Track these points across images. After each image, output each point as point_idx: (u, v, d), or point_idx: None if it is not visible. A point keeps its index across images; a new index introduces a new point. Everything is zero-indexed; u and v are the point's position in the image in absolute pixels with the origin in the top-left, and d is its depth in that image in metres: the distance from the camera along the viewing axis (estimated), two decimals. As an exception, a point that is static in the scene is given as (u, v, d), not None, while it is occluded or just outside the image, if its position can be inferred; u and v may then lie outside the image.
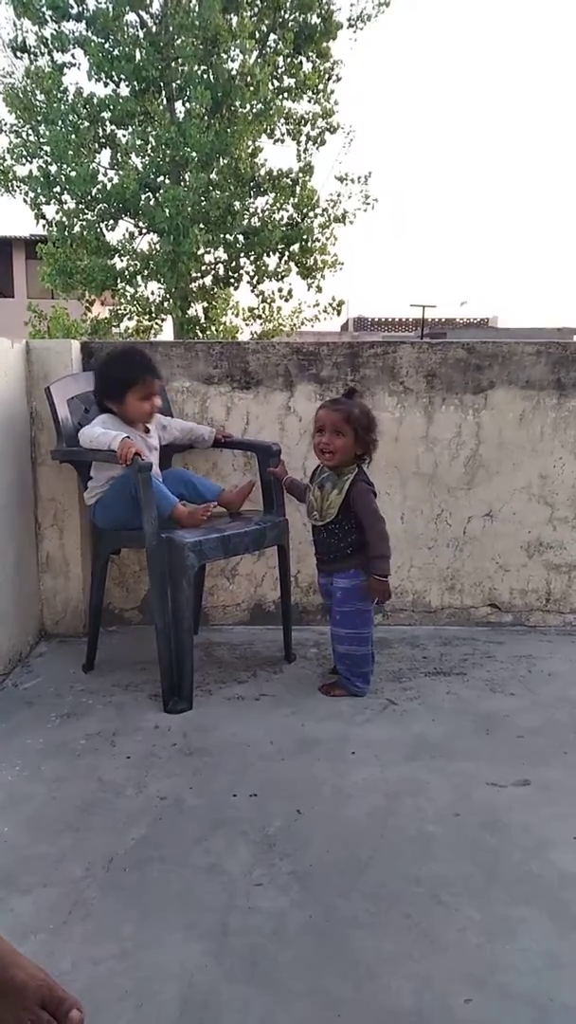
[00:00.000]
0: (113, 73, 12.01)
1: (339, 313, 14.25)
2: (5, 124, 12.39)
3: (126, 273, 12.69)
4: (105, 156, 12.57)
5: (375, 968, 1.25)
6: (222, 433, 2.66)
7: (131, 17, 12.17)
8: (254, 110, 12.05)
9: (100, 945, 1.30)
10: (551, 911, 1.38)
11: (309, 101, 13.19)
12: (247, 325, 14.34)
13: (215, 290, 13.65)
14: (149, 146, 12.11)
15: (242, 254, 13.26)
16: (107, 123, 12.31)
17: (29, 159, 12.36)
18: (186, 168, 11.80)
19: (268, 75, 11.93)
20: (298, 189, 12.91)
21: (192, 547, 2.14)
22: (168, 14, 11.94)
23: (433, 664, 2.54)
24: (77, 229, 12.51)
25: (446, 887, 1.45)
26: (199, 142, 11.30)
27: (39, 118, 12.02)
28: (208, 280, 13.58)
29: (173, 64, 12.04)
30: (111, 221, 12.65)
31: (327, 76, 13.00)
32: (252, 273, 13.55)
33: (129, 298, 13.02)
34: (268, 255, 13.23)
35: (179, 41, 11.77)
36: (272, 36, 12.52)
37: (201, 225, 11.76)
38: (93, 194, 12.13)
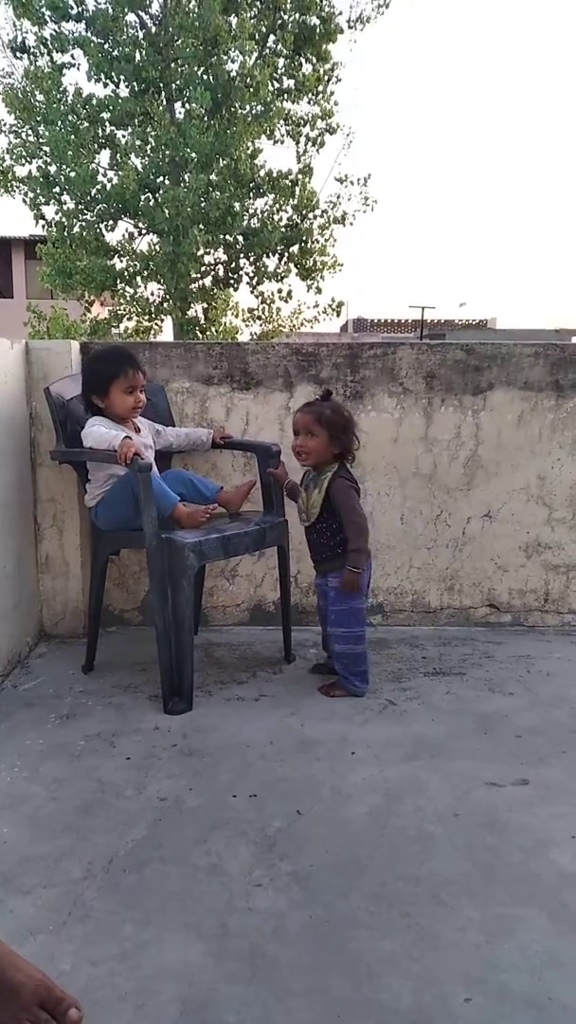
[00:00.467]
0: (113, 74, 12.01)
1: (338, 314, 14.26)
2: (5, 124, 12.38)
3: (126, 274, 12.69)
4: (105, 157, 12.57)
5: (375, 968, 1.26)
6: (220, 434, 2.66)
7: (131, 18, 12.17)
8: (254, 111, 12.05)
9: (100, 946, 1.30)
10: (550, 910, 1.39)
11: (309, 102, 13.20)
12: (247, 326, 14.35)
13: (215, 291, 13.64)
14: (149, 147, 12.10)
15: (242, 255, 13.26)
16: (107, 124, 12.30)
17: (28, 159, 12.35)
18: (186, 169, 11.80)
19: (268, 76, 11.94)
20: (298, 190, 12.90)
21: (192, 547, 2.14)
22: (168, 15, 11.94)
23: (432, 664, 2.54)
24: (76, 230, 12.50)
25: (446, 887, 1.45)
26: (199, 143, 11.30)
27: (38, 118, 12.01)
28: (208, 281, 13.57)
29: (173, 65, 12.04)
30: (111, 222, 12.64)
31: (327, 77, 13.00)
32: (252, 274, 13.55)
33: (129, 299, 13.01)
34: (268, 256, 13.23)
35: (179, 42, 11.77)
36: (272, 37, 12.52)
37: (201, 226, 11.75)
38: (93, 194, 12.12)
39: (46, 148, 12.07)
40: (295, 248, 13.18)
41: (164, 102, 12.45)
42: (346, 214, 13.38)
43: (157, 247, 12.26)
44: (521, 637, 2.83)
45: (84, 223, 12.55)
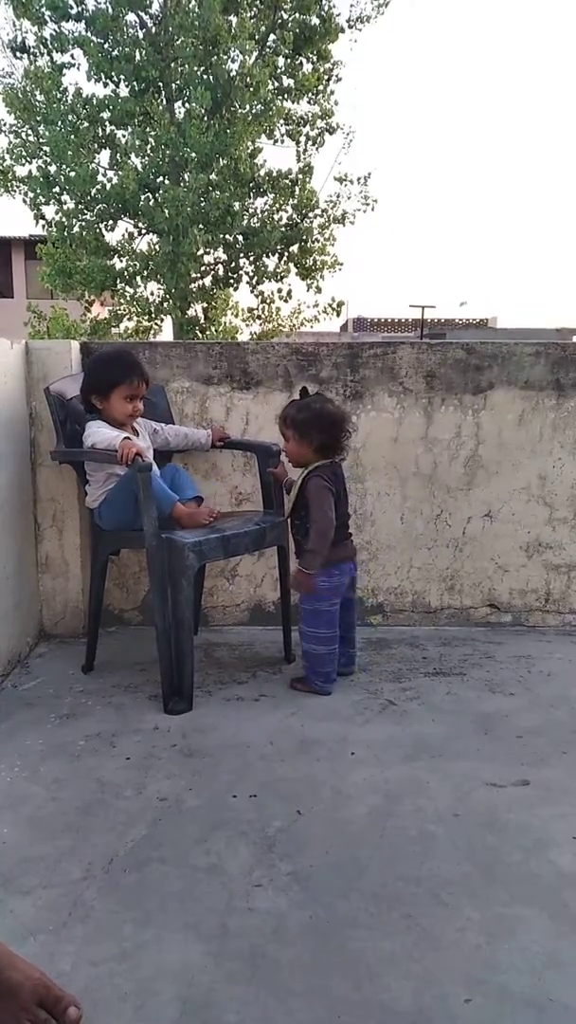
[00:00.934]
0: (112, 73, 12.01)
1: (338, 314, 14.25)
2: (4, 124, 12.38)
3: (125, 273, 12.69)
4: (104, 156, 12.57)
5: (375, 968, 1.25)
6: (220, 434, 2.66)
7: (131, 17, 12.17)
8: (254, 111, 12.05)
9: (100, 946, 1.30)
10: (551, 911, 1.39)
11: (308, 102, 13.20)
12: (246, 326, 14.35)
13: (215, 290, 13.64)
14: (148, 146, 12.10)
15: (241, 255, 13.26)
16: (106, 123, 12.30)
17: (28, 159, 12.35)
18: (186, 168, 11.80)
19: (268, 76, 11.93)
20: (297, 190, 12.91)
21: (192, 547, 2.14)
22: (167, 15, 11.94)
23: (433, 664, 2.54)
24: (76, 229, 12.51)
25: (446, 887, 1.45)
26: (199, 143, 11.29)
27: (38, 118, 12.01)
28: (207, 281, 13.57)
29: (173, 65, 12.03)
30: (110, 221, 12.64)
31: (326, 77, 13.01)
32: (251, 274, 13.55)
33: (128, 299, 13.01)
34: (267, 256, 13.23)
35: (179, 42, 11.77)
36: (272, 37, 12.52)
37: (200, 225, 11.75)
38: (92, 194, 12.12)
39: (46, 148, 12.08)
40: (295, 248, 13.18)
41: (164, 102, 12.45)
42: (346, 213, 13.39)
43: (157, 247, 12.27)
44: (522, 637, 2.83)
45: (84, 223, 12.56)
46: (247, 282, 13.72)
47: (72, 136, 11.80)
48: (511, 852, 1.55)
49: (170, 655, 2.18)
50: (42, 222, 12.71)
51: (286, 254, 13.28)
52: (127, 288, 12.85)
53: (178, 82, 12.13)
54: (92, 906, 1.39)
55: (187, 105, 11.92)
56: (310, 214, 13.13)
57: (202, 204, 11.87)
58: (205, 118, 11.62)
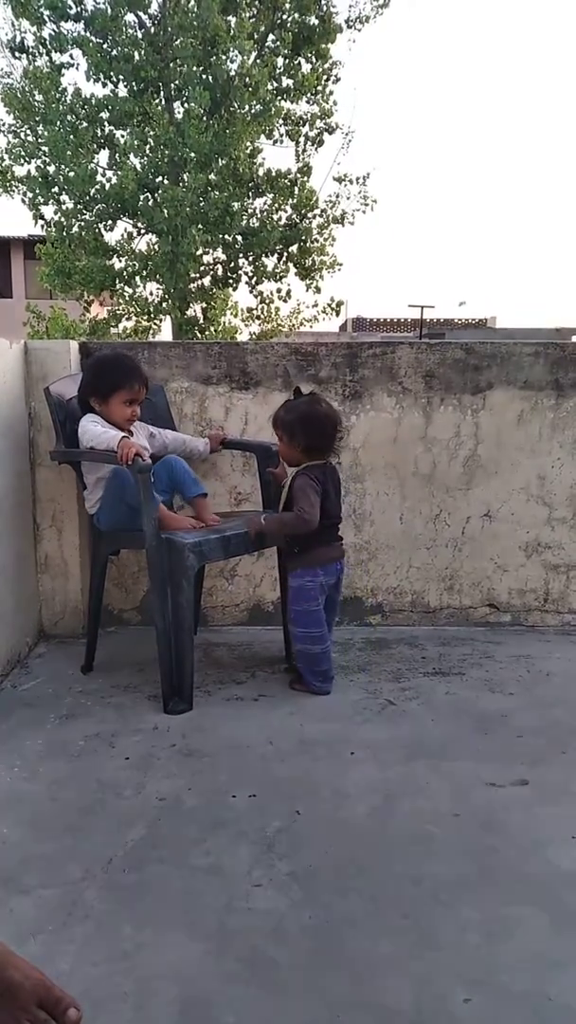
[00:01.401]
0: (112, 73, 12.00)
1: (338, 314, 14.25)
2: (3, 124, 12.38)
3: (124, 274, 12.68)
4: (103, 156, 12.56)
5: (374, 968, 1.26)
6: (218, 440, 2.63)
7: (130, 18, 12.17)
8: (253, 111, 12.05)
9: (99, 946, 1.30)
10: (550, 911, 1.39)
11: (308, 102, 13.19)
12: (246, 326, 14.34)
13: (214, 290, 13.64)
14: (148, 146, 12.10)
15: (241, 255, 13.25)
16: (105, 123, 12.29)
17: (27, 159, 12.34)
18: (185, 168, 11.79)
19: (267, 76, 11.93)
20: (296, 190, 12.90)
21: (192, 548, 2.14)
22: (167, 15, 11.93)
23: (432, 664, 2.54)
24: (75, 229, 12.50)
25: (445, 887, 1.45)
26: (198, 143, 11.29)
27: (37, 118, 12.00)
28: (207, 281, 13.57)
29: (172, 65, 12.03)
30: (109, 221, 12.63)
31: (325, 77, 13.00)
32: (251, 274, 13.55)
33: (127, 299, 13.01)
34: (267, 256, 13.23)
35: (178, 42, 11.76)
36: (271, 37, 12.52)
37: (200, 225, 11.75)
38: (91, 194, 12.11)
39: (45, 148, 12.07)
40: (294, 248, 13.17)
41: (163, 102, 12.44)
42: (345, 213, 13.39)
43: (156, 247, 12.26)
44: (521, 637, 2.83)
45: (83, 223, 12.55)
46: (246, 282, 13.71)
47: (71, 136, 11.79)
48: (510, 852, 1.55)
49: (170, 655, 2.18)
50: (41, 222, 12.70)
51: (285, 254, 13.28)
52: (126, 288, 12.85)
53: (177, 82, 12.13)
54: (91, 906, 1.39)
55: (186, 105, 11.91)
56: (309, 214, 13.13)
57: (201, 204, 11.87)
58: (204, 118, 11.61)
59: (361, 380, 2.78)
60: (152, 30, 12.30)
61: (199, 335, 13.37)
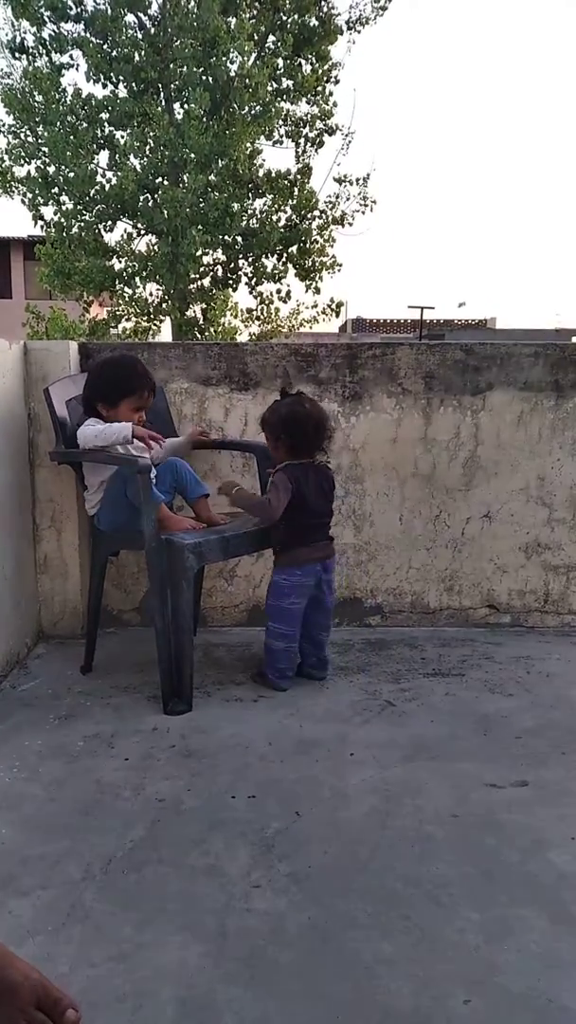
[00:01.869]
0: (112, 74, 12.00)
1: (337, 315, 14.25)
2: (3, 125, 12.36)
3: (124, 274, 12.68)
4: (103, 157, 12.55)
5: (374, 969, 1.25)
6: (197, 434, 2.59)
7: (130, 18, 12.16)
8: (253, 112, 12.05)
9: (98, 947, 1.30)
10: (550, 911, 1.39)
11: (307, 103, 13.20)
12: (245, 326, 14.34)
13: (213, 291, 13.63)
14: (148, 147, 12.09)
15: (240, 255, 13.25)
16: (105, 124, 12.29)
17: (27, 160, 12.33)
18: (185, 169, 11.79)
19: (267, 77, 11.93)
20: (296, 191, 12.90)
21: (192, 549, 2.14)
22: (167, 15, 11.93)
23: (432, 665, 2.54)
24: (75, 230, 12.49)
25: (445, 888, 1.45)
26: (198, 143, 11.29)
27: (37, 119, 12.00)
28: (206, 281, 13.56)
29: (172, 65, 12.02)
30: (109, 222, 12.63)
31: (326, 78, 13.01)
32: (250, 275, 13.54)
33: (127, 299, 13.01)
34: (266, 257, 13.23)
35: (178, 43, 11.76)
36: (271, 38, 12.52)
37: (199, 226, 11.74)
38: (91, 195, 12.11)
39: (45, 149, 12.06)
40: (294, 248, 13.17)
41: (163, 103, 12.44)
42: (345, 214, 13.38)
43: (156, 248, 12.26)
44: (521, 638, 2.83)
45: (83, 224, 12.54)
46: (246, 283, 13.71)
47: (71, 137, 11.79)
48: (510, 853, 1.55)
49: (169, 656, 2.18)
50: (41, 223, 12.69)
51: (285, 255, 13.27)
52: (126, 289, 12.84)
53: (177, 83, 12.12)
54: (91, 907, 1.39)
55: (186, 106, 11.89)
56: (309, 215, 13.13)
57: (201, 205, 11.87)
58: (204, 119, 11.61)
59: (361, 381, 2.78)
60: (152, 31, 12.29)
61: (199, 336, 13.37)
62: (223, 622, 2.89)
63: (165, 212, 11.56)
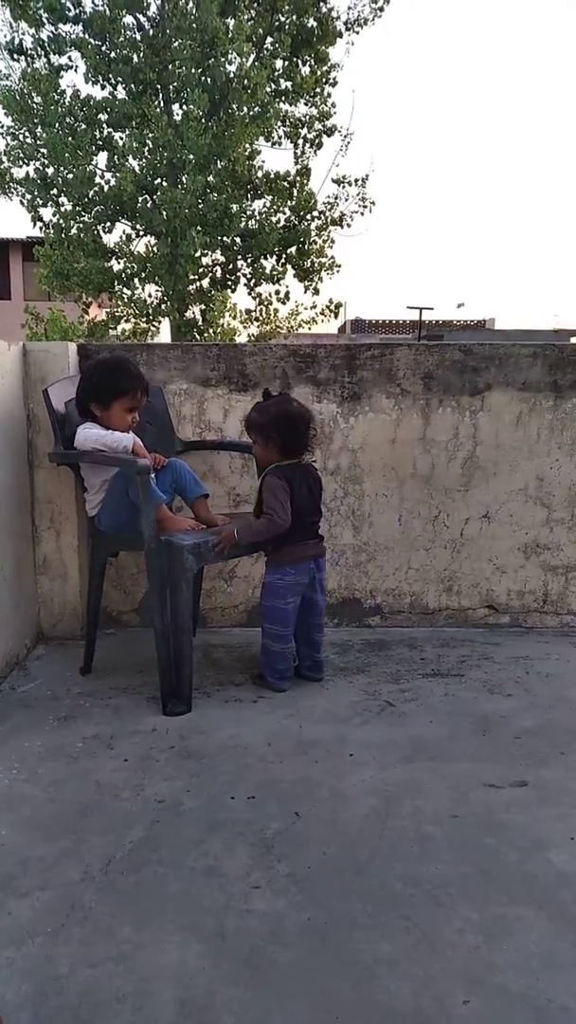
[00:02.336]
0: (110, 75, 12.02)
1: (336, 315, 14.26)
2: (2, 126, 12.39)
3: (123, 275, 12.69)
4: (102, 158, 12.56)
5: (373, 969, 1.25)
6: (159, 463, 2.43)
7: (128, 20, 12.18)
8: (251, 113, 12.06)
9: (98, 948, 1.30)
10: (549, 911, 1.39)
11: (306, 104, 13.21)
12: (244, 327, 14.35)
13: (212, 292, 13.64)
14: (146, 148, 12.10)
15: (239, 257, 13.26)
16: (104, 125, 12.30)
17: (26, 161, 12.34)
18: (183, 170, 11.80)
19: (265, 78, 11.95)
20: (295, 192, 12.92)
21: (191, 550, 2.14)
22: (165, 17, 11.94)
23: (431, 665, 2.54)
24: (74, 231, 12.50)
25: (444, 888, 1.45)
26: (196, 145, 11.30)
27: (36, 120, 12.01)
28: (205, 282, 13.57)
29: (170, 67, 12.04)
30: (108, 223, 12.64)
31: (324, 79, 13.02)
32: (249, 276, 13.55)
33: (126, 300, 13.02)
34: (265, 257, 13.24)
35: (176, 44, 11.78)
36: (269, 39, 12.53)
37: (198, 227, 11.75)
38: (90, 196, 12.12)
39: (44, 150, 12.08)
40: (293, 249, 13.18)
41: (162, 104, 12.44)
42: (343, 215, 13.40)
43: (155, 249, 12.27)
44: (520, 638, 2.83)
45: (82, 225, 12.55)
46: (245, 284, 13.72)
47: (70, 138, 11.80)
48: (509, 853, 1.55)
49: (168, 657, 2.18)
50: (40, 224, 12.70)
51: (284, 256, 13.28)
52: (125, 290, 12.86)
53: (176, 84, 12.14)
54: (90, 908, 1.39)
55: (185, 107, 11.91)
56: (308, 216, 13.14)
57: (200, 206, 11.88)
58: (203, 120, 11.62)
59: (360, 382, 2.79)
60: (151, 32, 12.30)
61: (198, 337, 13.37)
62: (222, 623, 2.89)
63: (164, 213, 11.58)
